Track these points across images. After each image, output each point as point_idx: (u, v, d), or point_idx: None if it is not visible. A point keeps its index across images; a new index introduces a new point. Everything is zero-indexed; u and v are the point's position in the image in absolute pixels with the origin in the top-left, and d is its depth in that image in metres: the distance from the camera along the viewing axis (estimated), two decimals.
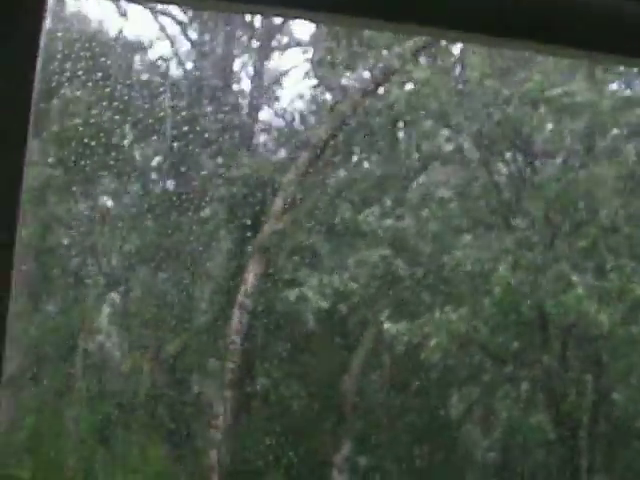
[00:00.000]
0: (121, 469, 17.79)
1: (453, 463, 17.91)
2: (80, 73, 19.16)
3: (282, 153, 19.11)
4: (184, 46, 21.73)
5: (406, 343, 15.18)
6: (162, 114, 19.38)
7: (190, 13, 22.16)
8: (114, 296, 20.53)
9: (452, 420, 17.89)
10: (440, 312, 14.49)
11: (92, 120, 18.97)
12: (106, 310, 20.30)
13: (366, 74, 16.11)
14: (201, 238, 18.89)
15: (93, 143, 18.97)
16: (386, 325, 15.76)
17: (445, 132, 15.52)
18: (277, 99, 22.11)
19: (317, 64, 17.89)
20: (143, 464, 17.92)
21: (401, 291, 15.88)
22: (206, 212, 18.89)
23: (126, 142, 19.11)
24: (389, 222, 15.26)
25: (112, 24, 20.82)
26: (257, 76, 21.44)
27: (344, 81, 16.96)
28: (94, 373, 20.14)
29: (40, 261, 19.59)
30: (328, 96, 18.49)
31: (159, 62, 20.66)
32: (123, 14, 21.54)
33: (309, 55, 20.02)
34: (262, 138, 21.30)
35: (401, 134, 16.47)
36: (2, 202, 2.34)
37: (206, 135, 19.90)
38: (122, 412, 19.51)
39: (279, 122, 21.29)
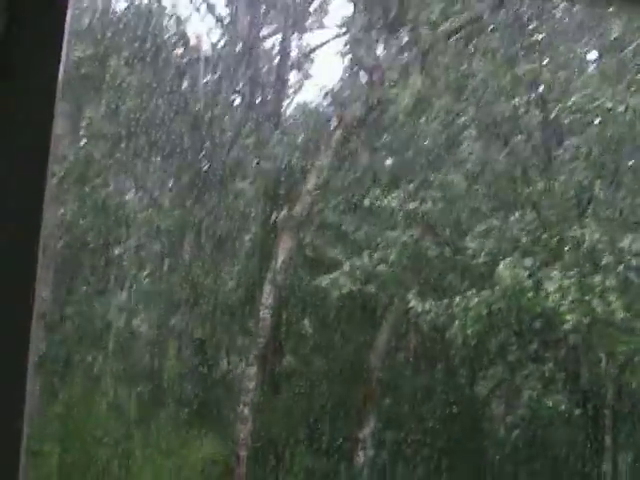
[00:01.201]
0: (154, 447, 18.06)
1: (478, 439, 18.25)
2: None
3: (313, 132, 19.31)
4: (215, 24, 22.04)
5: (431, 321, 15.36)
6: (194, 90, 19.75)
7: None
8: (143, 275, 20.88)
9: (478, 397, 18.21)
10: (463, 293, 14.56)
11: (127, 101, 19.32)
12: (136, 289, 20.62)
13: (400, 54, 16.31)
14: (232, 216, 19.20)
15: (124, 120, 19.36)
16: (412, 303, 15.92)
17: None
18: (309, 77, 22.45)
19: (352, 43, 18.09)
20: (175, 440, 18.22)
21: (428, 271, 16.14)
22: (237, 190, 19.15)
23: (157, 120, 19.35)
24: (414, 204, 15.42)
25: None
26: (288, 54, 21.73)
27: (378, 59, 17.14)
28: (126, 352, 20.51)
29: (72, 242, 19.93)
30: (362, 75, 18.78)
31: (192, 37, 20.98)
32: None
33: (344, 34, 20.34)
34: (293, 117, 21.60)
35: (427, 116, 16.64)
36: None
37: (237, 113, 20.25)
38: (153, 390, 19.88)
39: (311, 100, 21.68)
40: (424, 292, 14.84)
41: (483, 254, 14.81)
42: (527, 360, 16.34)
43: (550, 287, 13.81)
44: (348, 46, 18.15)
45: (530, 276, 13.98)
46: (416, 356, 19.20)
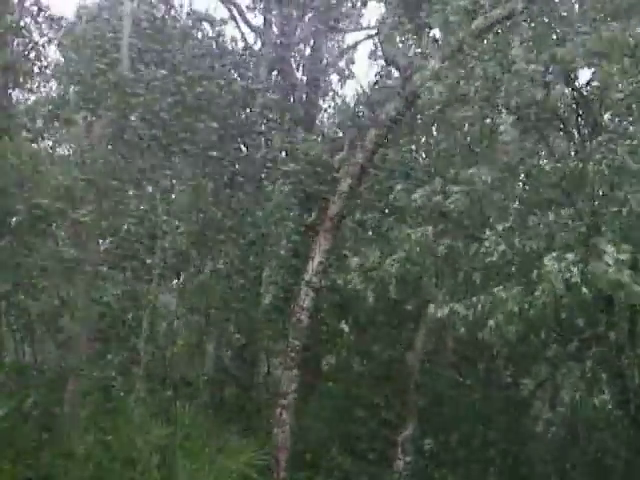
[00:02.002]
0: (192, 451, 18.09)
1: (519, 442, 18.14)
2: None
3: (349, 132, 19.39)
4: (247, 28, 22.25)
5: (464, 321, 15.20)
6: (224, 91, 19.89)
7: None
8: (180, 276, 21.02)
9: (518, 398, 18.12)
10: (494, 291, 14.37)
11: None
12: (174, 291, 20.79)
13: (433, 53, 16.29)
14: (267, 217, 19.27)
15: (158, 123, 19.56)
16: (442, 304, 15.68)
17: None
18: (344, 78, 22.58)
19: (385, 43, 18.12)
20: (214, 445, 18.23)
21: (457, 270, 16.00)
22: (272, 192, 19.23)
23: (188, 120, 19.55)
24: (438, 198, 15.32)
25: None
26: (322, 56, 21.87)
27: (411, 60, 17.15)
28: (161, 353, 20.62)
29: (107, 244, 20.12)
30: (395, 74, 18.85)
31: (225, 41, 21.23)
32: None
33: (376, 35, 20.42)
34: (327, 117, 21.78)
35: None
36: None
37: (270, 114, 20.35)
38: (189, 391, 19.96)
39: (346, 100, 21.79)
40: (456, 291, 14.66)
41: (519, 251, 14.69)
42: (568, 358, 16.19)
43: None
44: (380, 45, 18.22)
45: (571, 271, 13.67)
46: (454, 358, 19.15)
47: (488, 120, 15.65)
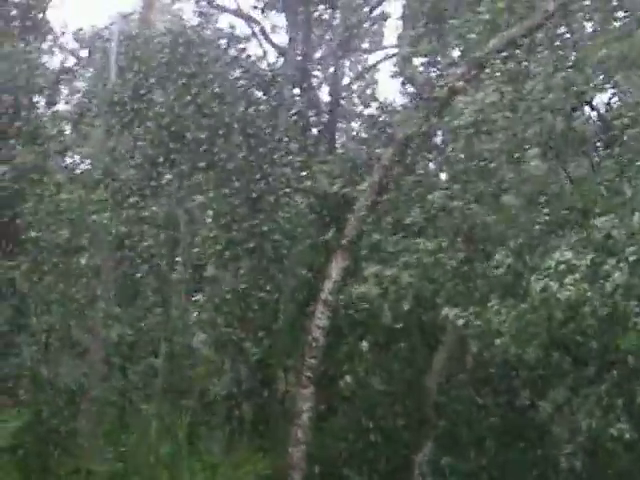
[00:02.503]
0: (207, 467, 18.17)
1: (537, 464, 17.97)
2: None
3: (367, 149, 19.48)
4: (269, 48, 22.48)
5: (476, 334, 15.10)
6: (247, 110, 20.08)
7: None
8: (198, 294, 21.19)
9: (537, 421, 17.93)
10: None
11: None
12: (191, 308, 20.92)
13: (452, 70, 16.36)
14: (286, 236, 19.37)
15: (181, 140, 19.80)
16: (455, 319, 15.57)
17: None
18: (361, 97, 22.72)
19: (403, 62, 18.21)
20: (229, 461, 18.31)
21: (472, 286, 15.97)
22: (290, 210, 19.34)
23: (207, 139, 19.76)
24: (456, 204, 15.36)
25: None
26: (340, 75, 22.02)
27: (428, 78, 17.23)
28: (179, 370, 20.74)
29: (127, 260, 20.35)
30: (411, 92, 18.92)
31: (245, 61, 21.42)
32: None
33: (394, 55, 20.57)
34: (345, 136, 21.89)
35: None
36: None
37: (289, 132, 20.50)
38: (206, 409, 20.06)
39: (362, 119, 21.93)
40: (468, 309, 14.63)
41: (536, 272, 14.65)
42: (586, 383, 16.01)
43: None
44: (397, 65, 18.31)
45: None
46: (473, 379, 19.03)
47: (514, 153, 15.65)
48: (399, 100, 20.76)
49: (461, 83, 16.00)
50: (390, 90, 21.38)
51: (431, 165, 18.55)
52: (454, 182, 16.61)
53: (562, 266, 12.43)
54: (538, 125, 14.87)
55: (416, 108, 17.15)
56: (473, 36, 15.38)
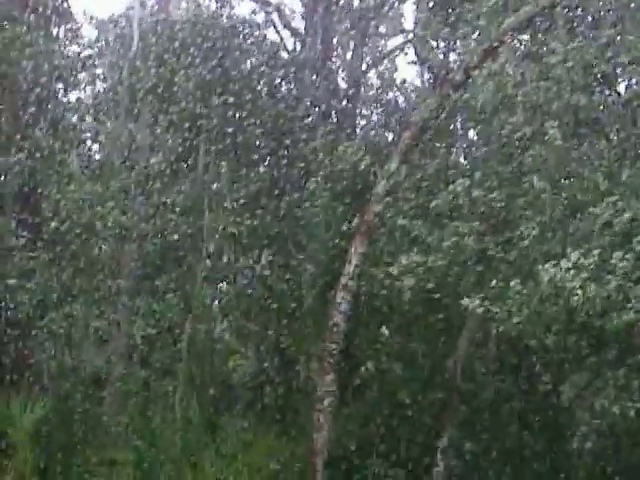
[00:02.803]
0: (229, 453, 18.29)
1: (559, 449, 17.96)
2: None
3: (385, 134, 19.49)
4: (286, 34, 22.50)
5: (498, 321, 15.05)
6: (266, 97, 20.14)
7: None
8: (220, 282, 21.30)
9: (559, 405, 17.88)
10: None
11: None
12: (212, 295, 21.05)
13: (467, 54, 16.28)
14: (306, 222, 19.43)
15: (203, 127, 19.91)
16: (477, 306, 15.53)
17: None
18: (379, 80, 22.68)
19: (418, 44, 18.17)
20: (251, 447, 18.43)
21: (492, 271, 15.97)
22: (310, 196, 19.37)
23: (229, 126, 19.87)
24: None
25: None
26: (358, 59, 21.99)
27: (445, 61, 17.20)
28: (202, 357, 20.88)
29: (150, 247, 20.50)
30: (428, 76, 18.89)
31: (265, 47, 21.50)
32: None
33: (410, 40, 20.52)
34: (364, 120, 21.89)
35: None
36: None
37: (309, 118, 20.57)
38: (229, 396, 20.21)
39: (381, 104, 21.92)
40: (490, 294, 14.60)
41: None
42: (606, 366, 15.92)
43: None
44: (414, 49, 18.29)
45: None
46: (496, 364, 19.03)
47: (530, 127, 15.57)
48: (418, 84, 20.69)
49: (476, 63, 15.97)
50: (410, 74, 21.45)
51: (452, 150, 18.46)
52: (475, 166, 16.60)
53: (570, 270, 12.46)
54: (558, 102, 14.76)
55: (432, 91, 17.09)
56: (484, 18, 15.31)
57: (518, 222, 15.52)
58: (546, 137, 14.65)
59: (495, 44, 15.48)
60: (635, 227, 13.64)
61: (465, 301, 14.58)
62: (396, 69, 22.78)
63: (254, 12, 21.96)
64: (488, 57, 15.39)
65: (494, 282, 14.45)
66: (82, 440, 18.01)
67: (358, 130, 21.43)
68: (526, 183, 15.54)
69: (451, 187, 14.88)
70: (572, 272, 12.55)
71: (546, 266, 12.73)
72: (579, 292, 12.34)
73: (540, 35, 15.69)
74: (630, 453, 17.33)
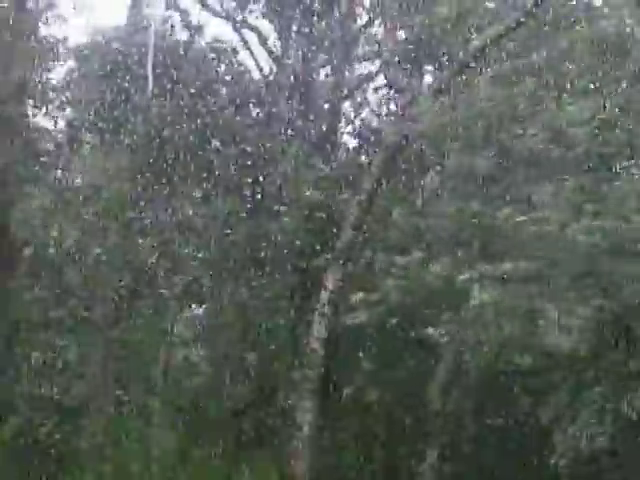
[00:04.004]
0: None
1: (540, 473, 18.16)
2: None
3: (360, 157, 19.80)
4: (263, 56, 22.73)
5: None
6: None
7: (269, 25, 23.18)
8: (194, 307, 21.53)
9: (540, 427, 18.10)
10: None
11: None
12: (187, 321, 21.24)
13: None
14: (281, 246, 19.65)
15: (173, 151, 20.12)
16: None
17: None
18: (354, 105, 22.95)
19: (388, 67, 18.46)
20: (230, 475, 18.59)
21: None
22: (286, 221, 19.60)
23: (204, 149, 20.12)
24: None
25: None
26: (336, 82, 22.23)
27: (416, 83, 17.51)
28: (177, 385, 21.05)
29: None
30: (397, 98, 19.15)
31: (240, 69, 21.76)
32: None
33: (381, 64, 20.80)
34: (346, 145, 22.22)
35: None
36: None
37: (283, 140, 20.80)
38: (206, 423, 20.33)
39: (355, 128, 22.24)
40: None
41: None
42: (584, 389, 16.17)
43: None
44: (383, 73, 18.57)
45: None
46: (474, 388, 19.24)
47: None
48: (391, 108, 21.00)
49: (444, 85, 16.33)
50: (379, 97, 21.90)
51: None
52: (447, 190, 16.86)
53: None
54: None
55: (401, 115, 17.40)
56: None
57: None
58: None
59: (463, 65, 15.80)
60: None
61: (430, 331, 14.76)
62: (372, 92, 23.07)
63: (220, 41, 22.21)
64: (456, 79, 15.69)
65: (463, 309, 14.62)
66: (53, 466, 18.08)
67: (334, 153, 21.63)
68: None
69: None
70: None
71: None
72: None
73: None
74: (611, 475, 17.56)
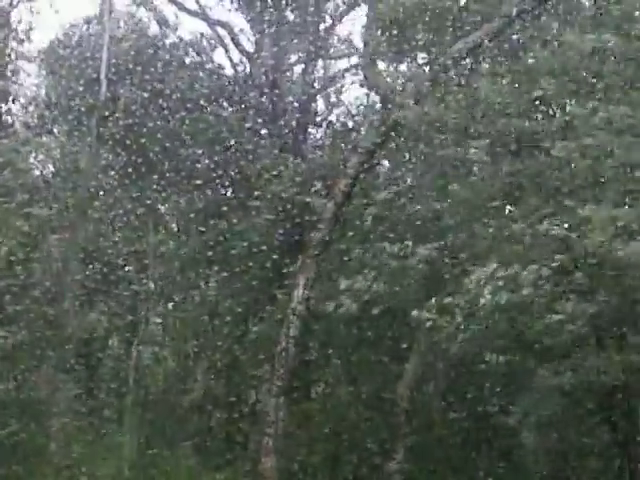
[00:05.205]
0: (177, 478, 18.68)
1: (509, 470, 18.67)
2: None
3: (333, 155, 20.13)
4: (236, 53, 23.06)
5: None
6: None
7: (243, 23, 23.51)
8: (165, 304, 21.76)
9: (507, 427, 18.61)
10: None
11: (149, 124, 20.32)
12: (157, 318, 21.47)
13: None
14: (252, 244, 19.95)
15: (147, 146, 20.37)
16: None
17: None
18: (328, 104, 23.35)
19: (365, 69, 18.84)
20: (200, 472, 18.85)
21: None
22: (258, 218, 19.91)
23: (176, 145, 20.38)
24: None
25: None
26: (308, 80, 22.60)
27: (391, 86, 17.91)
28: (145, 383, 21.26)
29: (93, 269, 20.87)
30: (377, 100, 19.56)
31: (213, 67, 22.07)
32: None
33: (358, 62, 21.23)
34: (311, 142, 22.52)
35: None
36: None
37: (255, 139, 21.14)
38: (177, 420, 20.59)
39: (329, 126, 22.61)
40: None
41: None
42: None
43: None
44: (361, 71, 18.94)
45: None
46: (443, 386, 19.71)
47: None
48: (365, 106, 21.41)
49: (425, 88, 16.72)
50: (360, 95, 22.31)
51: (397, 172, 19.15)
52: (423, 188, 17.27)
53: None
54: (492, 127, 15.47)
55: (380, 116, 17.78)
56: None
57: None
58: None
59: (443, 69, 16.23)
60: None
61: (415, 313, 14.99)
62: (340, 92, 23.46)
63: (202, 34, 22.50)
64: (436, 81, 16.11)
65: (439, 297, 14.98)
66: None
67: (307, 151, 22.01)
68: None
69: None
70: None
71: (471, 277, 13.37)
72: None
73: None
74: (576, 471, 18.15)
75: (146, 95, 21.15)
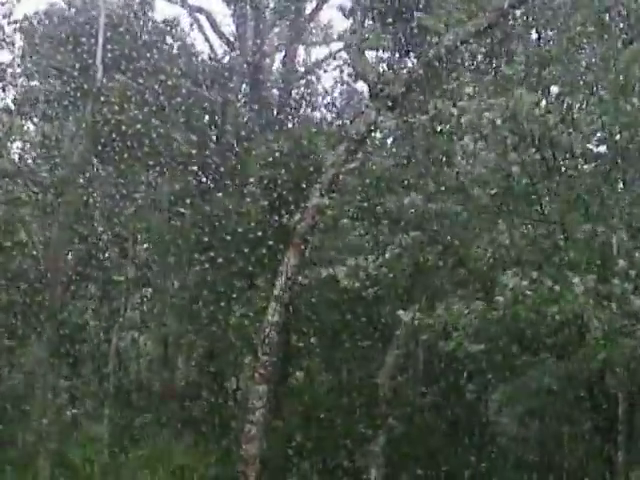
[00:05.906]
0: (160, 465, 18.86)
1: (487, 455, 19.07)
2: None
3: (318, 146, 20.24)
4: (217, 39, 23.17)
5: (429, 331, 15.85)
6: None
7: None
8: (146, 291, 21.88)
9: (486, 413, 19.03)
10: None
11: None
12: (138, 305, 21.59)
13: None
14: (237, 232, 20.09)
15: (130, 132, 20.43)
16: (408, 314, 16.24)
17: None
18: (312, 91, 23.52)
19: (353, 57, 18.98)
20: (182, 459, 19.04)
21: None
22: (242, 204, 20.06)
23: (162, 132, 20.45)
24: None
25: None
26: (291, 67, 22.80)
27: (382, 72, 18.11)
28: (127, 369, 21.40)
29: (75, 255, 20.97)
30: (364, 87, 19.77)
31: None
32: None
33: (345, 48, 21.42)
34: (298, 129, 22.64)
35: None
36: None
37: (240, 121, 21.27)
38: (160, 408, 20.75)
39: (315, 112, 22.84)
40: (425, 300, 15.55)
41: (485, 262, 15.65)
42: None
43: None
44: (348, 59, 19.11)
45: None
46: (425, 373, 20.05)
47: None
48: (349, 94, 21.65)
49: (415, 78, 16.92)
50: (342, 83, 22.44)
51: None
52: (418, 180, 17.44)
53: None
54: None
55: (368, 105, 17.93)
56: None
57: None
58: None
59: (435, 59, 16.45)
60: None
61: (400, 312, 15.22)
62: (317, 75, 23.66)
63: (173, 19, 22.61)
64: (427, 72, 16.32)
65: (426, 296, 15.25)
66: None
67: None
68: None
69: (407, 199, 15.73)
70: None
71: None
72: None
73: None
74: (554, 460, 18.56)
75: (126, 79, 21.15)
